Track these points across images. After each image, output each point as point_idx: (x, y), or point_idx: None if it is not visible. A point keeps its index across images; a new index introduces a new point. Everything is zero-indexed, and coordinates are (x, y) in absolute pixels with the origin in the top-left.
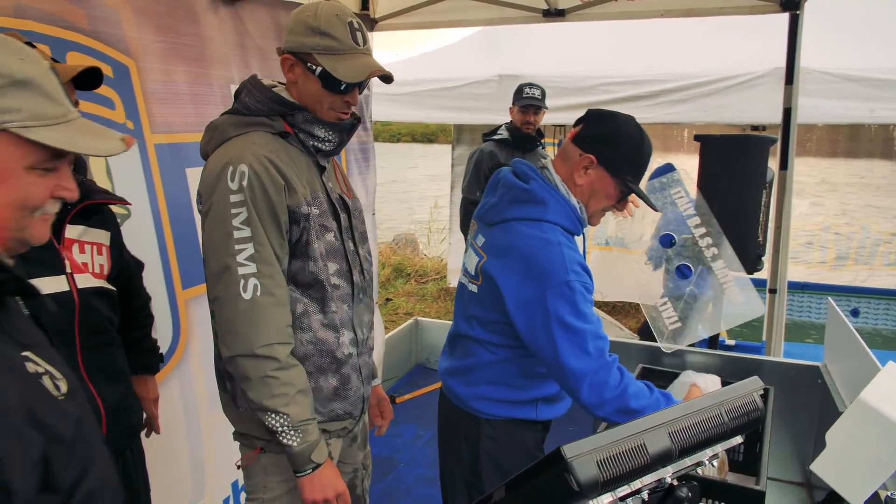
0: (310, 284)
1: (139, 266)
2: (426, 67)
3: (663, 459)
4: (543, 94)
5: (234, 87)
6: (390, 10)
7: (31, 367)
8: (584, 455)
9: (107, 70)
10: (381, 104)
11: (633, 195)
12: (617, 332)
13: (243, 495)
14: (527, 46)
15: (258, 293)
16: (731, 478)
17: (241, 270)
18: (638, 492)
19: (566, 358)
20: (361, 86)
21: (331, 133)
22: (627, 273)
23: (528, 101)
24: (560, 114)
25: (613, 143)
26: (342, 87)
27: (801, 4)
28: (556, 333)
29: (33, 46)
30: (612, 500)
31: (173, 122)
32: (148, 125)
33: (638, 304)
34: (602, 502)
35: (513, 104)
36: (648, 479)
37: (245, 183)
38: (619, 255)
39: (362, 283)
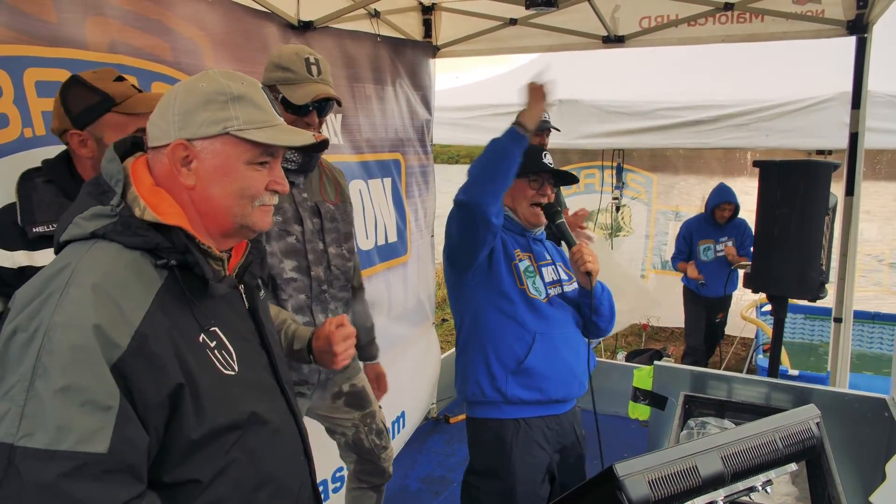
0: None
1: None
2: (486, 92)
3: (715, 482)
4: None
5: None
6: (452, 37)
7: (202, 337)
8: (636, 474)
9: None
10: (441, 128)
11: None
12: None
13: None
14: (586, 72)
15: None
16: None
17: None
18: None
19: None
20: (320, 110)
21: (295, 154)
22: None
23: (541, 124)
24: (619, 138)
25: None
26: (297, 110)
27: (869, 28)
28: None
29: (123, 79)
30: None
31: None
32: None
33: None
34: None
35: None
36: (700, 501)
37: None
38: (674, 280)
39: (327, 277)
